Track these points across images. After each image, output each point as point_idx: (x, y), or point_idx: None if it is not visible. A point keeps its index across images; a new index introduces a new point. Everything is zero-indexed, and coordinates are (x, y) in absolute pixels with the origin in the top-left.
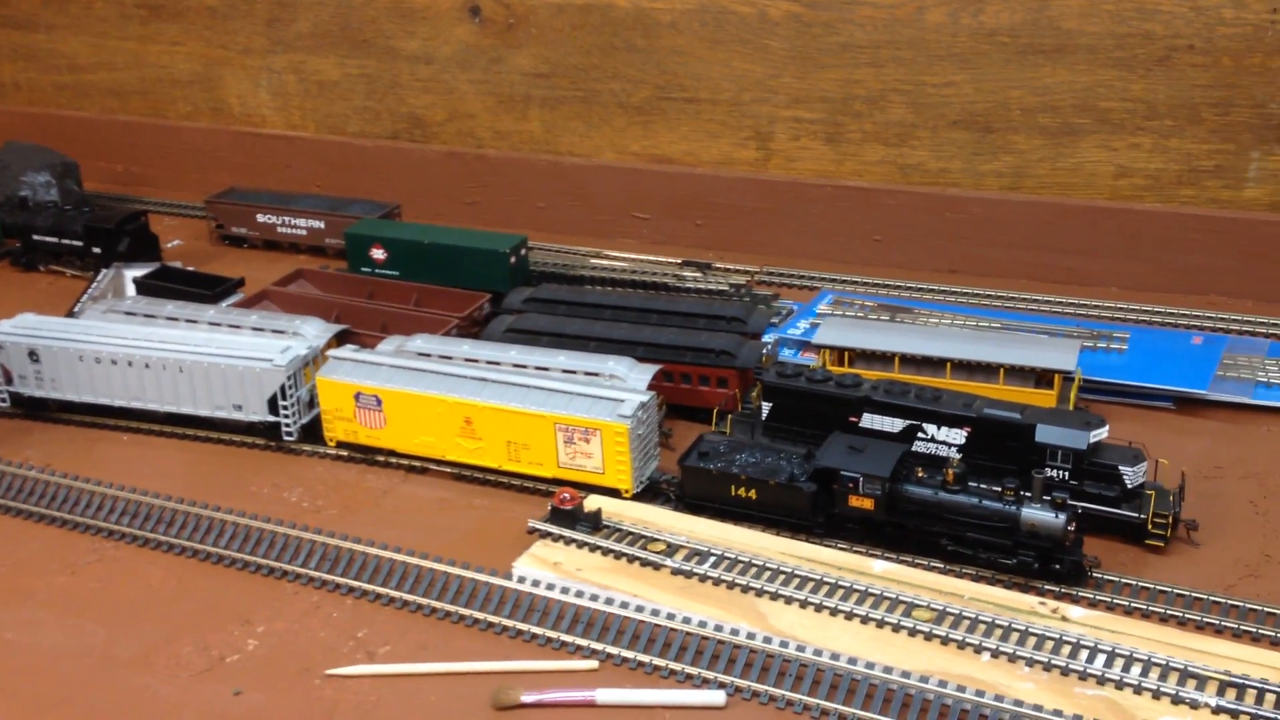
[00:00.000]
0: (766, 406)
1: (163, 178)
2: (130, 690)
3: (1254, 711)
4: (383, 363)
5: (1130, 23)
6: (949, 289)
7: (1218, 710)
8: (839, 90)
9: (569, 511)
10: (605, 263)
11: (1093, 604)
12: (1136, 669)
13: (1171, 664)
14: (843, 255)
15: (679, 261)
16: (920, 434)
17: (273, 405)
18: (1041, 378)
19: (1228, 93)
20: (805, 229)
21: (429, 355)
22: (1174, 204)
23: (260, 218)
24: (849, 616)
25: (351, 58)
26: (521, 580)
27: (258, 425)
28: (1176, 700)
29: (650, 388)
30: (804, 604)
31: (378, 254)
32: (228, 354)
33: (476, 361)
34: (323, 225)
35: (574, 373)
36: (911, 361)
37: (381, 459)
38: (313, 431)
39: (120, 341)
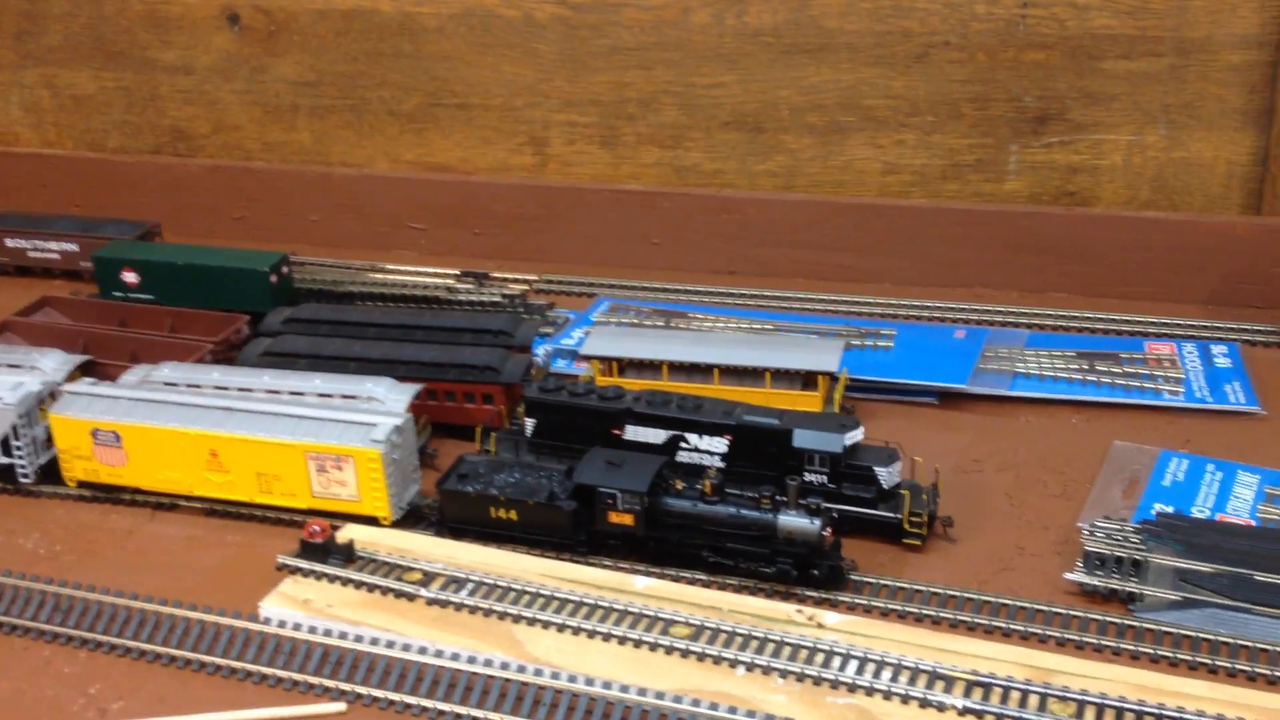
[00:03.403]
0: (531, 423)
1: None
2: None
3: (999, 711)
4: (121, 396)
5: (888, 20)
6: (726, 291)
7: (964, 712)
8: (611, 93)
9: (320, 545)
10: (379, 277)
11: (851, 608)
12: (887, 674)
13: (920, 666)
14: (621, 260)
15: (457, 273)
16: (683, 444)
17: (5, 446)
18: (807, 380)
19: (984, 88)
20: (583, 234)
21: (176, 385)
22: (939, 199)
23: (9, 242)
24: (606, 638)
25: (107, 70)
26: (268, 621)
27: None
28: (925, 704)
29: (413, 408)
30: (561, 628)
31: (129, 277)
32: None
33: (227, 389)
34: (76, 248)
35: (330, 396)
36: (680, 369)
37: (127, 497)
38: (54, 472)
39: None
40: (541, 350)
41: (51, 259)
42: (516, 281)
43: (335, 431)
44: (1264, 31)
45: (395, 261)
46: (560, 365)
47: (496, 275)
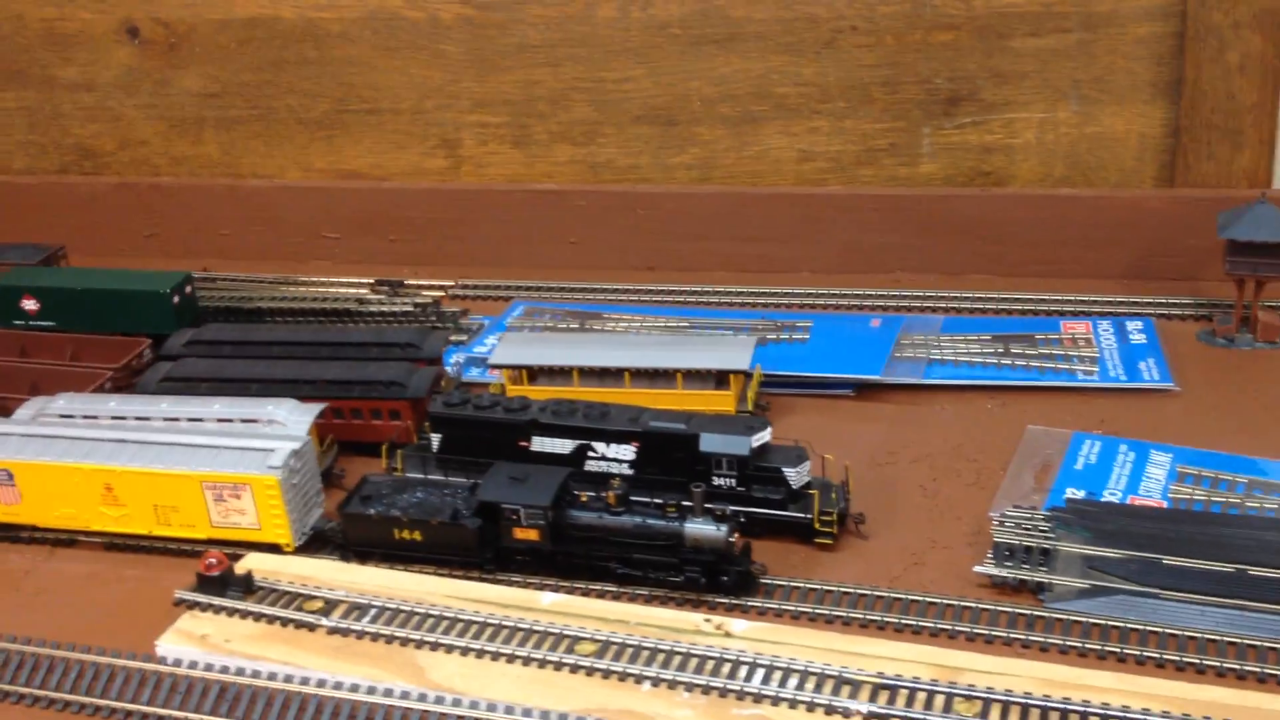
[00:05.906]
0: (437, 438)
1: None
2: None
3: (904, 714)
4: (12, 432)
5: (795, 7)
6: (645, 288)
7: (869, 716)
8: (520, 92)
9: (217, 577)
10: (291, 290)
11: (762, 613)
12: (793, 681)
13: (826, 671)
14: (538, 261)
15: (372, 281)
16: (591, 453)
17: None
18: (720, 379)
19: (894, 71)
20: (499, 237)
21: (72, 417)
22: (855, 185)
23: None
24: (511, 659)
25: (7, 90)
26: (164, 660)
27: None
28: (830, 710)
29: (319, 427)
30: (465, 651)
31: (29, 305)
32: None
33: (123, 419)
34: None
35: (230, 421)
36: (591, 374)
37: (25, 536)
38: None
39: None
40: (454, 360)
41: None
42: (432, 288)
43: (231, 459)
44: (1169, 3)
45: (310, 272)
46: (474, 374)
47: (411, 283)
